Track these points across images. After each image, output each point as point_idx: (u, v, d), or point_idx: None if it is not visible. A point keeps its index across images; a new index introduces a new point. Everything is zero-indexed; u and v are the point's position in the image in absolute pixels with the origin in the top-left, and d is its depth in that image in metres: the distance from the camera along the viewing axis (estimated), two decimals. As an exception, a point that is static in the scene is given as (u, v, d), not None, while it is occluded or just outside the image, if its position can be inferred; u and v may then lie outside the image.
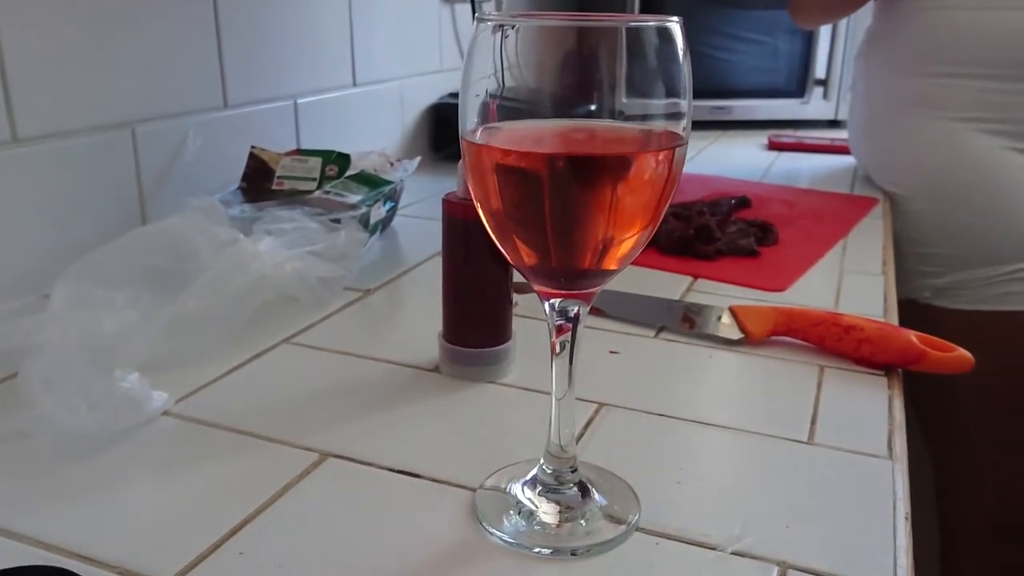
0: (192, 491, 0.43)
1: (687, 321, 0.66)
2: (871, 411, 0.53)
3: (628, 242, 0.37)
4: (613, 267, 0.38)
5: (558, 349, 0.40)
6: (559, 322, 0.39)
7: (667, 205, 0.37)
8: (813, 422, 0.51)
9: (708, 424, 0.51)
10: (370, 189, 0.81)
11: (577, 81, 0.34)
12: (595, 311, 0.68)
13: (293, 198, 0.79)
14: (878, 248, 0.88)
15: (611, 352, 0.61)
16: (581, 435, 0.49)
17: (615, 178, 0.35)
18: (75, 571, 0.36)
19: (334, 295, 0.68)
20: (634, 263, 0.86)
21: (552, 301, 0.39)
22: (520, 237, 0.37)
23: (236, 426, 0.50)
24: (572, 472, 0.42)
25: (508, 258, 0.38)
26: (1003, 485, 0.96)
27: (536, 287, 0.39)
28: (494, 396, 0.54)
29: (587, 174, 0.35)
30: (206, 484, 0.44)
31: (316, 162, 0.83)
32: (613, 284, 0.76)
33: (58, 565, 0.37)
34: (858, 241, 0.90)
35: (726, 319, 0.65)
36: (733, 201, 0.99)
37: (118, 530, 0.40)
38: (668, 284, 0.76)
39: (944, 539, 1.02)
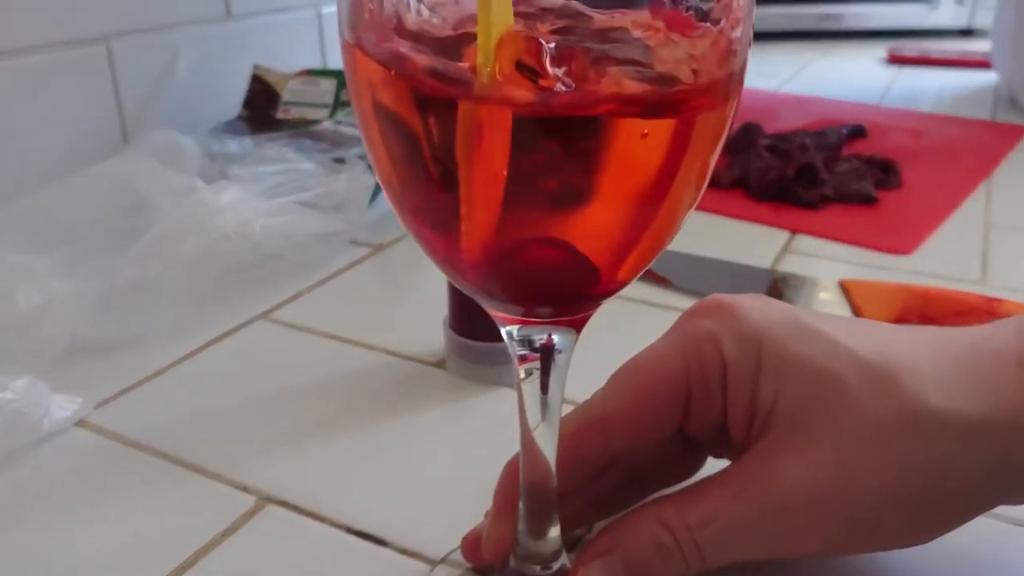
0: (73, 550, 0.32)
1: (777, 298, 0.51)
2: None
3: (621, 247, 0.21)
4: (603, 291, 0.22)
5: (522, 375, 0.25)
6: (521, 352, 0.24)
7: (706, 179, 0.21)
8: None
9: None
10: (393, 117, 0.67)
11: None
12: (660, 280, 0.53)
13: (300, 129, 0.66)
14: (1033, 194, 0.69)
15: (676, 341, 0.46)
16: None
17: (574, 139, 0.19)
18: None
19: (334, 252, 0.55)
20: (718, 212, 0.71)
21: (509, 328, 0.24)
22: (431, 227, 0.21)
23: (161, 446, 0.37)
24: (544, 570, 0.28)
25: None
26: None
27: (487, 309, 0.24)
28: (511, 407, 0.41)
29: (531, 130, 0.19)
30: (96, 540, 0.32)
31: (329, 85, 0.69)
32: (683, 245, 0.61)
33: None
34: (1006, 185, 0.71)
35: (831, 296, 0.50)
36: (844, 131, 0.81)
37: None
38: (758, 241, 0.60)
39: None
